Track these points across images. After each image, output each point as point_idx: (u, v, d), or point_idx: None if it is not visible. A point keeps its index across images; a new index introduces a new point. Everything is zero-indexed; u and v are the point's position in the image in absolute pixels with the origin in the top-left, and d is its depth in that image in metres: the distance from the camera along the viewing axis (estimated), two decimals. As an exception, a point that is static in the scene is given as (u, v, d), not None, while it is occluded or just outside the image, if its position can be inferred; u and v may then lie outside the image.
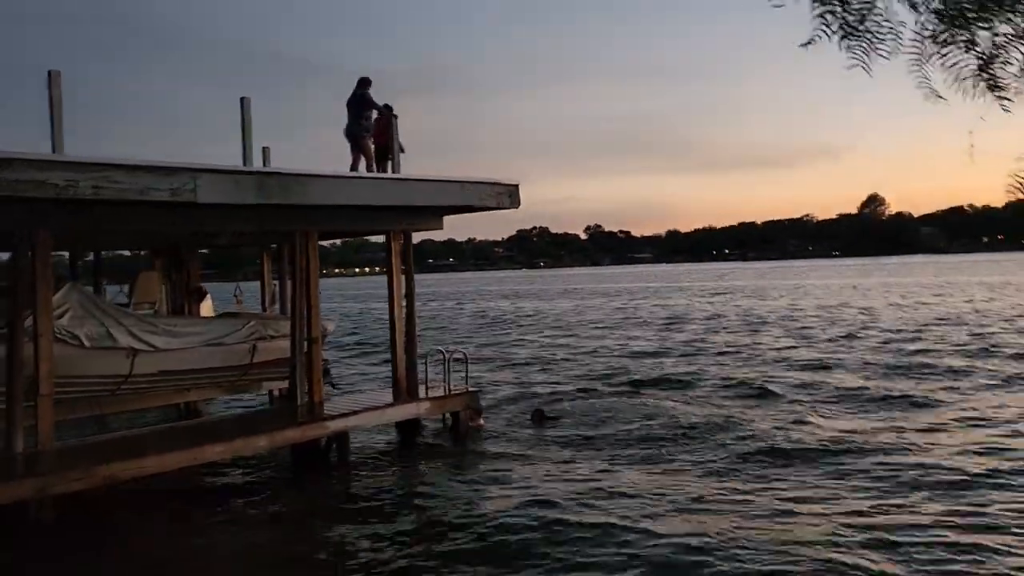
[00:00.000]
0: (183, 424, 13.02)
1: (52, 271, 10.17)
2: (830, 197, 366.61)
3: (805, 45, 3.85)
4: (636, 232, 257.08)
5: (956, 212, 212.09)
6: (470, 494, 10.10)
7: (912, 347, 23.14)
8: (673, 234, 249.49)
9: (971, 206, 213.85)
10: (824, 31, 3.83)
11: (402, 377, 13.53)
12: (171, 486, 10.52)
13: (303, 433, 11.33)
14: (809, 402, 15.34)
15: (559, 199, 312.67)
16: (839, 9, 3.75)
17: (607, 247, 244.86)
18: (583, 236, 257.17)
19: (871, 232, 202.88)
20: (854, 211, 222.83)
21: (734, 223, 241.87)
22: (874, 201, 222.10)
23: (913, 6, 3.76)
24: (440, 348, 14.70)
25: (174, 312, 15.47)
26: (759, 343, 26.09)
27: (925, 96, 3.89)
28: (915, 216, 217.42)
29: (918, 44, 3.79)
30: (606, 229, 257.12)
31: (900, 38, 3.81)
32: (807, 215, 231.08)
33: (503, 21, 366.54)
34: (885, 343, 24.59)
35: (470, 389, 13.84)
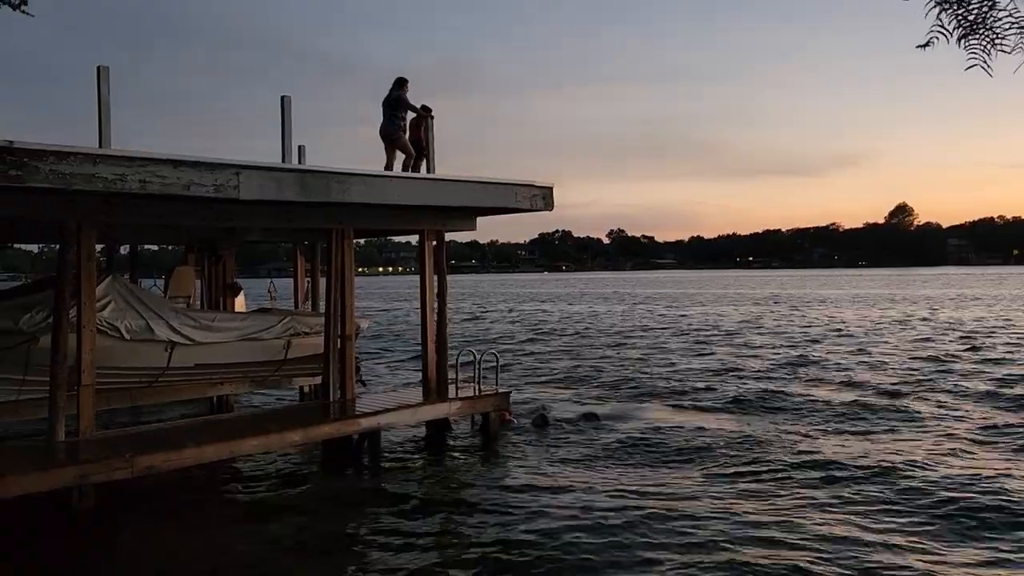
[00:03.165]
0: (219, 417, 13.19)
1: (96, 264, 10.36)
2: (856, 206, 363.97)
3: (922, 47, 3.78)
4: (659, 237, 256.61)
5: (985, 223, 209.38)
6: (498, 499, 10.05)
7: None
8: (696, 240, 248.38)
9: (1001, 217, 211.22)
10: (941, 31, 3.76)
11: (433, 376, 13.61)
12: (206, 478, 10.67)
13: (337, 429, 11.43)
14: None
15: (582, 202, 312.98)
16: (957, 7, 3.67)
17: (630, 252, 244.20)
18: (606, 240, 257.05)
19: (898, 243, 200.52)
20: (881, 221, 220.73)
21: (758, 230, 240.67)
22: (902, 211, 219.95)
23: None
24: (472, 349, 14.72)
25: (209, 306, 15.66)
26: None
27: None
28: (943, 227, 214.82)
29: None
30: (629, 234, 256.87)
31: None
32: (833, 224, 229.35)
33: (529, 21, 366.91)
34: None
35: (500, 390, 13.88)
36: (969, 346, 26.28)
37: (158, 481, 9.88)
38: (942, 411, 15.23)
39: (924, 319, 39.23)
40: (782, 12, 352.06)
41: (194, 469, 10.05)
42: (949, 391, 17.53)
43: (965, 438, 12.89)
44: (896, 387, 18.02)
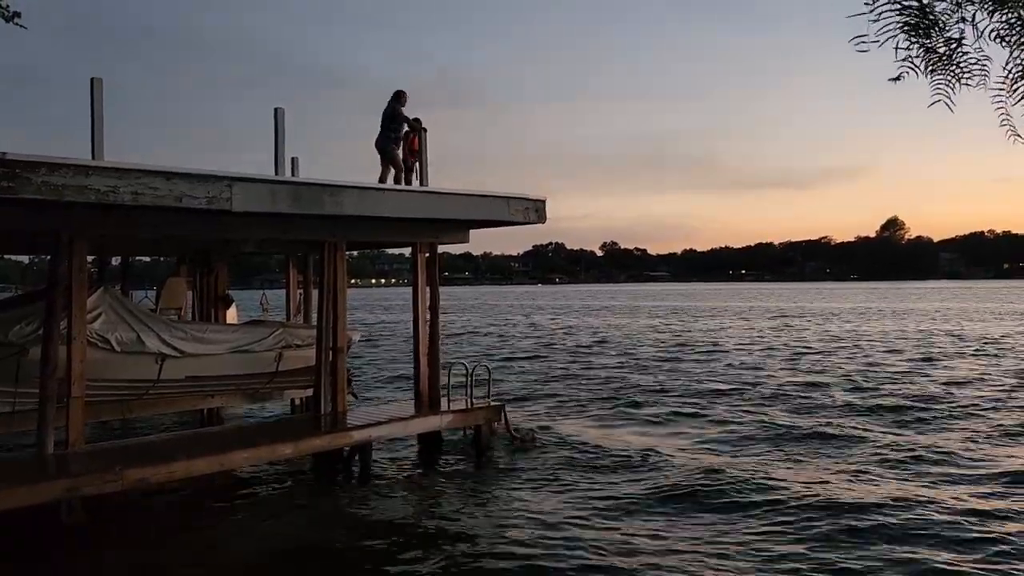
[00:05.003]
0: (209, 430, 13.13)
1: (88, 275, 10.33)
2: (848, 220, 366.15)
3: (894, 80, 3.87)
4: (652, 250, 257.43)
5: (976, 237, 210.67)
6: (485, 516, 9.99)
7: None
8: (689, 253, 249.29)
9: (991, 231, 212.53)
10: (911, 67, 3.85)
11: (425, 389, 13.56)
12: (196, 491, 10.60)
13: (328, 442, 11.38)
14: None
15: (576, 215, 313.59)
16: (927, 42, 3.77)
17: (623, 264, 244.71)
18: (599, 252, 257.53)
19: (890, 256, 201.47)
20: (873, 235, 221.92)
21: (751, 243, 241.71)
22: (893, 225, 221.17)
23: (1004, 41, 3.77)
24: (463, 362, 14.68)
25: (200, 318, 15.60)
26: None
27: (1006, 134, 3.89)
28: (934, 241, 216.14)
29: (1005, 81, 3.80)
30: (622, 246, 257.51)
31: (987, 72, 3.82)
32: (825, 237, 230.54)
33: (525, 36, 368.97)
34: None
35: (492, 403, 13.84)
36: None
37: (148, 494, 9.82)
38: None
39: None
40: (776, 27, 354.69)
41: (184, 482, 9.99)
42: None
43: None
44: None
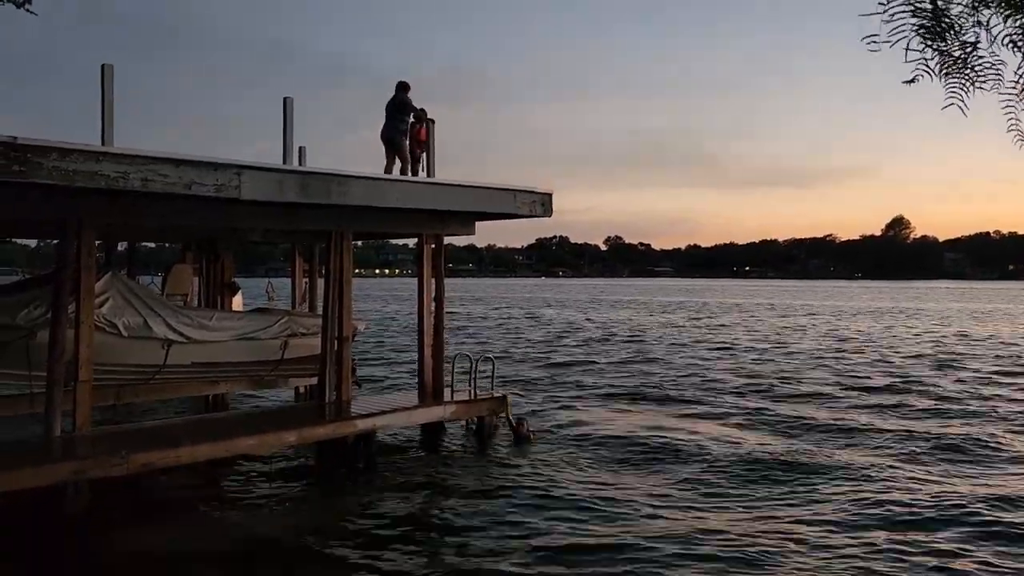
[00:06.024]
0: (214, 416, 13.20)
1: (96, 260, 10.39)
2: (853, 218, 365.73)
3: (908, 82, 3.90)
4: (656, 245, 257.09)
5: (981, 238, 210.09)
6: (489, 505, 10.03)
7: None
8: (693, 248, 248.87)
9: (997, 232, 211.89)
10: (926, 69, 3.88)
11: (428, 380, 13.63)
12: (199, 477, 10.67)
13: (332, 431, 11.44)
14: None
15: (580, 209, 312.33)
16: (943, 47, 3.80)
17: (626, 259, 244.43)
18: (603, 247, 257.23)
19: (895, 255, 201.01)
20: (878, 233, 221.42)
21: (755, 240, 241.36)
22: (899, 224, 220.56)
23: (1017, 47, 3.79)
24: (467, 353, 14.73)
25: (206, 305, 15.67)
26: None
27: (1014, 139, 3.92)
28: (939, 240, 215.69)
29: (1015, 86, 3.83)
30: (626, 241, 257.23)
31: (1001, 76, 3.86)
32: (829, 235, 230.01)
33: (530, 32, 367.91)
34: None
35: (495, 394, 13.88)
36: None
37: (150, 479, 9.88)
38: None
39: None
40: (782, 25, 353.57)
41: (189, 467, 10.05)
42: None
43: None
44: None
